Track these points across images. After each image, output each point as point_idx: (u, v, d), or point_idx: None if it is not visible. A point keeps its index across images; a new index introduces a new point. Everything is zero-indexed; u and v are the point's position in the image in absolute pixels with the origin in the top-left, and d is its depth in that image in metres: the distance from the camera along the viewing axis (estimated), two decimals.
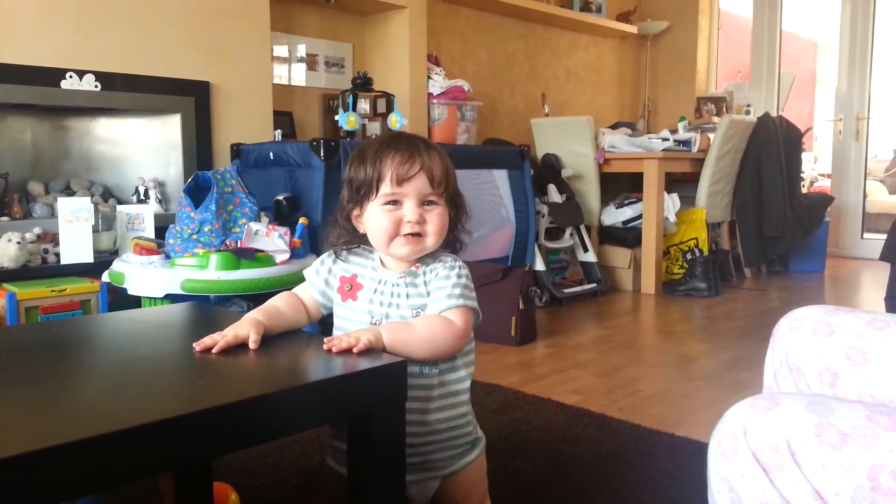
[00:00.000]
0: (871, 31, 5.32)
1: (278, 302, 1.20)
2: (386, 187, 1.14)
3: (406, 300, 1.17)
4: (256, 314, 1.13)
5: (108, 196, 3.11)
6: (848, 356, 0.97)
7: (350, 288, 1.20)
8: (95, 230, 2.69)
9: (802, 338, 1.02)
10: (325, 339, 1.04)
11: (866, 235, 5.51)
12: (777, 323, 1.08)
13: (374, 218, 1.17)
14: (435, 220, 1.16)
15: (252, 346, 1.04)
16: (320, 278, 1.23)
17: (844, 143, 5.48)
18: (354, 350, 1.01)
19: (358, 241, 1.23)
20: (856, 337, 0.98)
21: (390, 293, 1.18)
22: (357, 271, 1.21)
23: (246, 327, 1.06)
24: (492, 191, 3.60)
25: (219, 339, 1.03)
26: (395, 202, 1.15)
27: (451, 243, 1.24)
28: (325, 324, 1.33)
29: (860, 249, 5.45)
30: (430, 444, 1.18)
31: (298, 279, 2.41)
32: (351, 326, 1.19)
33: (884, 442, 0.70)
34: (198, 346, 1.02)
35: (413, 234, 1.16)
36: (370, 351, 1.03)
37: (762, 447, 0.75)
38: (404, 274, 1.19)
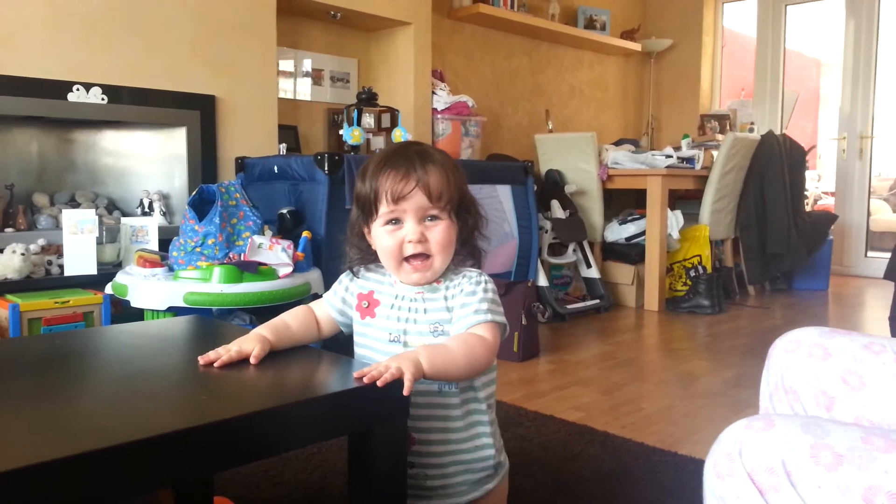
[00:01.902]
0: (874, 49, 5.34)
1: (288, 317, 1.19)
2: (384, 206, 1.13)
3: (424, 315, 1.15)
4: (263, 330, 1.13)
5: (112, 208, 3.13)
6: (844, 380, 0.97)
7: (368, 305, 1.19)
8: (99, 242, 2.71)
9: (798, 360, 1.02)
10: (356, 373, 0.98)
11: (870, 254, 5.50)
12: (772, 344, 1.08)
13: (379, 239, 1.15)
14: (438, 236, 1.13)
15: (252, 360, 1.04)
16: (337, 297, 1.22)
17: (848, 162, 5.48)
18: (381, 380, 0.96)
19: (372, 258, 1.21)
20: (852, 361, 0.98)
21: (408, 308, 1.16)
22: (374, 287, 1.20)
23: (251, 342, 1.07)
24: (495, 206, 3.61)
25: (223, 353, 1.03)
26: (396, 220, 1.13)
27: (470, 254, 1.19)
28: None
29: (864, 268, 5.44)
30: (453, 464, 1.15)
31: (301, 293, 2.42)
32: (370, 344, 1.18)
33: (879, 463, 0.70)
34: (202, 359, 1.03)
35: (419, 257, 1.13)
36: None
37: (758, 468, 0.75)
38: (422, 289, 1.16)
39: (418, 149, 1.17)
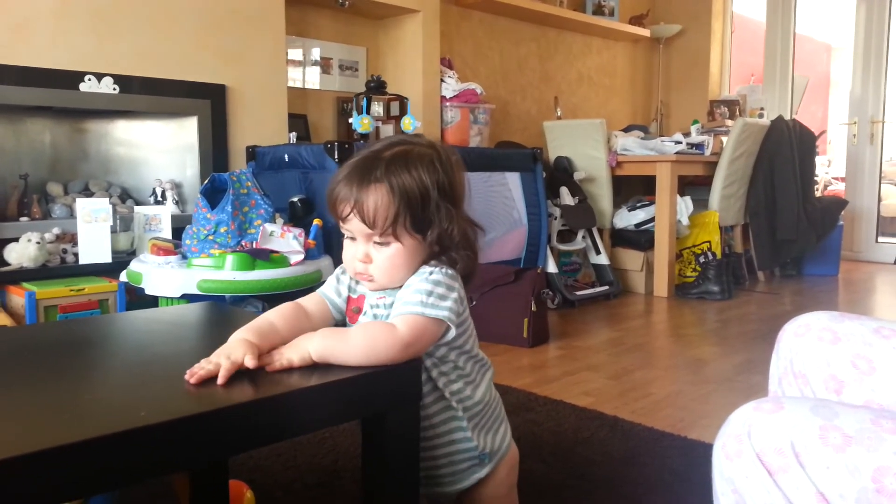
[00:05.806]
0: (886, 33, 5.29)
1: (272, 316, 1.10)
2: (340, 222, 1.10)
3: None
4: (246, 334, 1.02)
5: (125, 197, 3.15)
6: (854, 364, 0.97)
7: (357, 311, 1.16)
8: (113, 231, 2.73)
9: (808, 344, 1.01)
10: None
11: (881, 239, 5.48)
12: (782, 329, 1.08)
13: (343, 245, 1.13)
14: (382, 261, 1.08)
15: (250, 366, 0.96)
16: (331, 288, 1.20)
17: (859, 147, 5.45)
18: (270, 368, 0.96)
19: None
20: (862, 345, 0.97)
21: (373, 315, 1.13)
22: (365, 292, 1.16)
23: (240, 351, 0.97)
24: (504, 193, 3.61)
25: (210, 367, 0.94)
26: (351, 237, 1.11)
27: (446, 262, 1.10)
28: None
29: (874, 253, 5.42)
30: (432, 459, 1.13)
31: (313, 280, 2.44)
32: None
33: (888, 445, 0.71)
34: (192, 378, 0.92)
35: (364, 276, 1.10)
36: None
37: (766, 449, 0.76)
38: (384, 294, 1.12)
39: (379, 155, 1.08)
